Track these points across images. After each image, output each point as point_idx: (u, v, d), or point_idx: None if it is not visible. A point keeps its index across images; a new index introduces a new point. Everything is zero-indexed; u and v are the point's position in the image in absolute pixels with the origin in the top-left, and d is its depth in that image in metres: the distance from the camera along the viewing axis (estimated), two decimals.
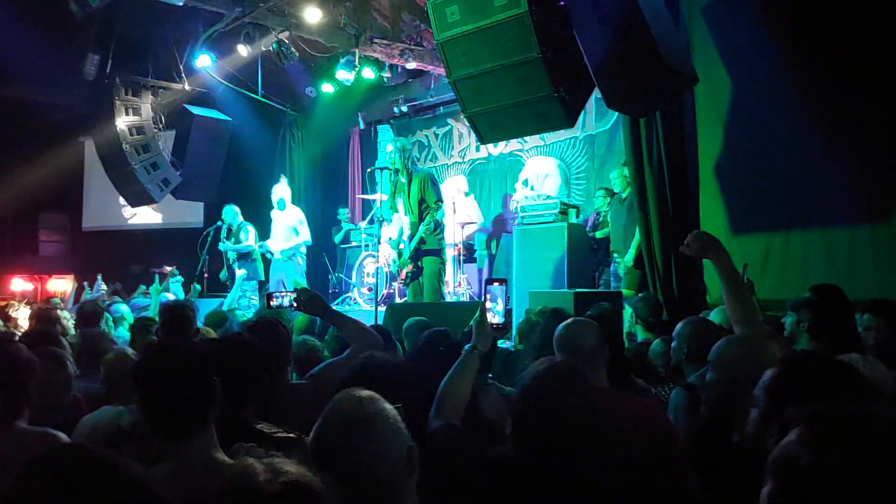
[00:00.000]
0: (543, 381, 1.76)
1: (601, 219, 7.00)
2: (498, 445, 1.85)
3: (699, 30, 5.66)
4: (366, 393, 1.48)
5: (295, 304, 3.03)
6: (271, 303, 3.21)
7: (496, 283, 2.48)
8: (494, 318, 2.37)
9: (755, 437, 1.51)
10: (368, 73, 8.18)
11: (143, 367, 1.87)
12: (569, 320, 2.58)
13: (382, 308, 6.06)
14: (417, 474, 1.49)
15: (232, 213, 8.24)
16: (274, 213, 7.98)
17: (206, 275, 8.51)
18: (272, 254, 8.01)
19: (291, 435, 1.87)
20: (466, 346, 2.28)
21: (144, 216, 12.29)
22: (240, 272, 8.06)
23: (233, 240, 8.17)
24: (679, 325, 3.10)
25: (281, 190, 7.97)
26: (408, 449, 1.44)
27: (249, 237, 8.18)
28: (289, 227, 7.87)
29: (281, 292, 3.32)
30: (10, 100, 10.74)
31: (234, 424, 1.98)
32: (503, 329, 2.48)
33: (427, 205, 6.27)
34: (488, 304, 2.38)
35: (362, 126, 10.11)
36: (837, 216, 5.07)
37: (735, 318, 2.33)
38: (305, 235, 7.92)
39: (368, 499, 1.39)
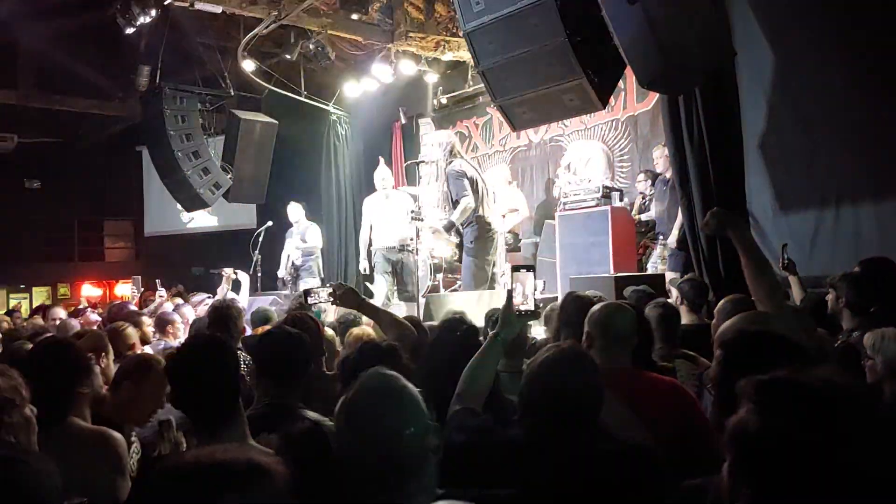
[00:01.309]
0: (550, 365, 1.78)
1: (645, 201, 6.88)
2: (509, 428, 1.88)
3: (738, 1, 5.49)
4: (392, 372, 1.59)
5: (332, 299, 3.11)
6: (309, 298, 3.29)
7: (523, 270, 2.49)
8: (522, 304, 2.38)
9: (714, 420, 1.54)
10: (407, 68, 8.24)
11: (173, 364, 1.97)
12: (605, 303, 2.59)
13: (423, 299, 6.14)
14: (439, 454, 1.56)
15: (297, 211, 8.45)
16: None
17: (259, 274, 8.76)
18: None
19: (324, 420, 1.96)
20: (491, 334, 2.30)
21: (201, 220, 12.68)
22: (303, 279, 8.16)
23: (299, 238, 8.38)
24: (721, 303, 3.06)
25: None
26: (430, 427, 1.50)
27: (317, 237, 8.38)
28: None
29: (318, 288, 3.41)
30: (70, 114, 11.27)
31: (281, 409, 2.14)
32: (532, 315, 2.49)
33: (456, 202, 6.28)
34: (515, 290, 2.40)
35: (403, 120, 10.18)
36: (890, 190, 4.86)
37: (757, 296, 2.29)
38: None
39: (392, 469, 1.45)
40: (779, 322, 1.97)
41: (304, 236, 8.48)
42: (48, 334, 4.30)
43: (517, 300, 2.28)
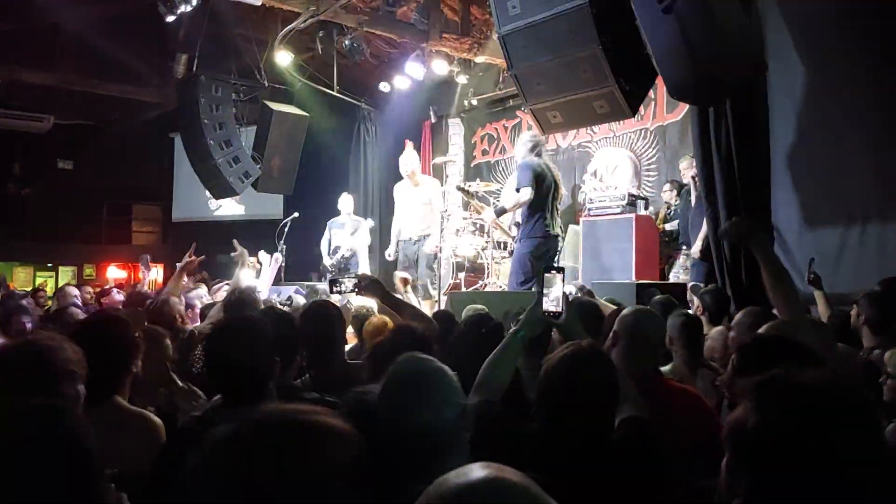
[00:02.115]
0: (566, 362, 1.84)
1: (670, 211, 6.91)
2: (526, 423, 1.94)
3: (772, 16, 5.49)
4: (427, 356, 1.69)
5: (357, 290, 3.18)
6: (334, 288, 3.36)
7: (553, 271, 2.54)
8: (550, 306, 2.43)
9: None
10: (440, 68, 8.32)
11: (207, 342, 2.05)
12: (638, 307, 2.63)
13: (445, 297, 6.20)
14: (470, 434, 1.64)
15: (349, 203, 8.43)
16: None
17: (282, 264, 8.87)
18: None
19: (329, 399, 2.01)
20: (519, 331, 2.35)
21: (229, 208, 12.86)
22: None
23: (352, 231, 8.38)
24: (739, 315, 3.08)
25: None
26: (463, 407, 1.58)
27: (367, 231, 8.37)
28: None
29: (344, 278, 3.47)
30: (108, 98, 11.46)
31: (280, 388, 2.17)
32: (558, 317, 2.54)
33: None
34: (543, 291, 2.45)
35: (433, 119, 10.27)
36: None
37: (777, 306, 2.33)
38: None
39: (428, 448, 1.54)
40: (797, 331, 2.01)
41: (357, 230, 8.42)
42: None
43: (546, 302, 2.34)
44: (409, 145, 7.96)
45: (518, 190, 6.08)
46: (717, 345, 3.29)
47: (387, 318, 3.57)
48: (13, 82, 10.32)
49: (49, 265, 13.76)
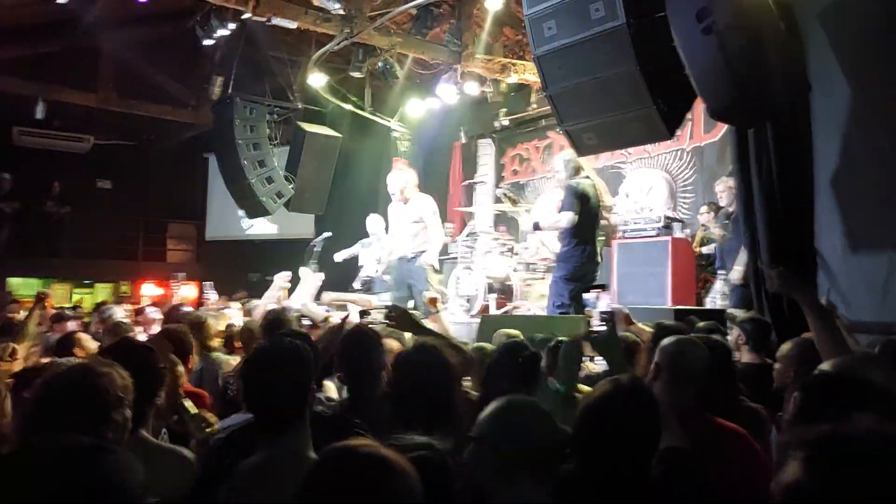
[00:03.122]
0: (606, 402, 1.75)
1: (707, 234, 6.75)
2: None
3: (815, 35, 5.36)
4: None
5: (388, 320, 3.12)
6: (364, 318, 3.32)
7: (595, 290, 2.45)
8: (597, 325, 2.36)
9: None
10: (471, 89, 8.31)
11: (248, 365, 1.99)
12: (677, 337, 2.52)
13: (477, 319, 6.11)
14: None
15: (377, 224, 8.37)
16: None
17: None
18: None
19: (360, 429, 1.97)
20: (554, 384, 2.28)
21: (261, 227, 12.96)
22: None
23: (372, 252, 8.34)
24: (784, 347, 2.95)
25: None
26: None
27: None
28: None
29: (373, 308, 3.42)
30: (145, 119, 11.71)
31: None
32: (600, 337, 2.46)
33: None
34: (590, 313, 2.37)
35: (464, 140, 10.25)
36: None
37: (826, 358, 2.21)
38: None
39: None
40: (866, 368, 1.88)
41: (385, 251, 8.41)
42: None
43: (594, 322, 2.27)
44: (398, 163, 7.88)
45: (561, 211, 5.98)
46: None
47: (394, 343, 3.49)
48: (55, 103, 10.59)
49: (86, 282, 13.98)
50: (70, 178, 12.96)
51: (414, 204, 7.02)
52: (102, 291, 13.90)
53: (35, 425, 1.69)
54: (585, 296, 2.35)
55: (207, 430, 2.60)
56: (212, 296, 7.67)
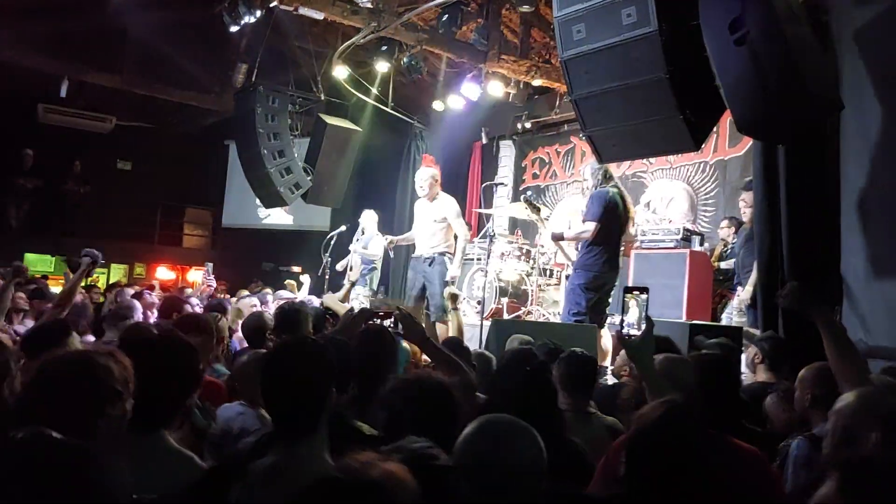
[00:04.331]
0: (660, 425, 1.68)
1: (727, 249, 6.65)
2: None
3: (849, 53, 5.25)
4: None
5: (393, 326, 3.05)
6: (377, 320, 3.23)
7: (635, 291, 2.38)
8: (629, 329, 2.30)
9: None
10: (495, 89, 8.25)
11: (269, 363, 1.92)
12: (666, 355, 2.47)
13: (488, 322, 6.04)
14: None
15: (368, 219, 8.49)
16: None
17: (327, 276, 8.88)
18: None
19: (376, 433, 1.91)
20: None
21: (277, 217, 12.98)
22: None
23: (361, 245, 8.46)
24: (803, 371, 2.87)
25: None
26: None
27: (378, 248, 8.40)
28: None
29: (382, 312, 3.34)
30: (169, 102, 11.74)
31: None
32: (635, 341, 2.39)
33: None
34: (616, 319, 2.32)
35: (485, 140, 10.19)
36: None
37: (842, 378, 2.14)
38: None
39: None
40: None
41: (367, 244, 8.52)
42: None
43: (625, 325, 2.20)
44: (428, 160, 7.84)
45: (584, 221, 5.86)
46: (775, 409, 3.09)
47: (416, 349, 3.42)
48: (80, 83, 10.64)
49: (102, 262, 14.06)
50: (91, 157, 13.05)
51: (440, 203, 6.93)
52: (117, 272, 13.96)
53: (25, 413, 1.65)
54: (626, 297, 2.26)
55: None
56: (211, 282, 7.66)
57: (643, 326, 2.20)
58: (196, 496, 1.78)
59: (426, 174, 6.99)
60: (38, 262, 13.02)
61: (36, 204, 12.55)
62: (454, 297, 4.53)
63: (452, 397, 1.98)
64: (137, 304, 5.33)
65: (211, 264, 9.73)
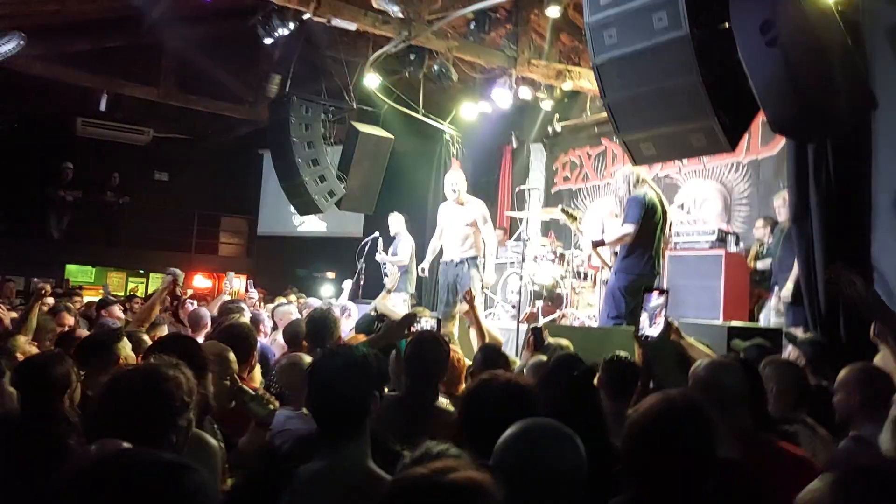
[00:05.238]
0: (655, 420, 1.68)
1: (762, 249, 6.61)
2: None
3: (881, 51, 5.21)
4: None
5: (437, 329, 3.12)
6: (412, 328, 3.27)
7: (656, 292, 2.41)
8: (648, 330, 2.32)
9: None
10: (525, 94, 8.31)
11: (314, 371, 1.96)
12: (710, 360, 2.47)
13: (524, 325, 6.09)
14: None
15: (396, 222, 8.61)
16: None
17: (362, 281, 9.02)
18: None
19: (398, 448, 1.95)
20: None
21: (311, 224, 13.18)
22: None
23: (390, 250, 8.56)
24: (844, 372, 2.81)
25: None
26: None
27: (406, 251, 8.51)
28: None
29: (424, 317, 3.39)
30: (203, 114, 12.00)
31: None
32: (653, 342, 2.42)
33: None
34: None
35: (515, 144, 10.24)
36: None
37: None
38: None
39: None
40: None
41: (395, 248, 8.61)
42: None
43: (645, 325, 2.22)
44: (455, 164, 7.87)
45: (623, 224, 5.84)
46: None
47: (461, 355, 3.48)
48: (118, 96, 10.94)
49: (141, 271, 14.38)
50: (129, 169, 13.38)
51: (469, 207, 6.90)
52: (156, 281, 14.27)
53: (99, 427, 1.69)
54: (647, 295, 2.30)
55: (270, 406, 2.67)
56: (236, 284, 7.75)
57: (656, 326, 2.22)
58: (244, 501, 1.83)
59: (456, 179, 6.97)
60: (78, 273, 13.39)
61: (76, 216, 12.90)
62: (471, 297, 4.62)
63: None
64: (206, 311, 5.57)
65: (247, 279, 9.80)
